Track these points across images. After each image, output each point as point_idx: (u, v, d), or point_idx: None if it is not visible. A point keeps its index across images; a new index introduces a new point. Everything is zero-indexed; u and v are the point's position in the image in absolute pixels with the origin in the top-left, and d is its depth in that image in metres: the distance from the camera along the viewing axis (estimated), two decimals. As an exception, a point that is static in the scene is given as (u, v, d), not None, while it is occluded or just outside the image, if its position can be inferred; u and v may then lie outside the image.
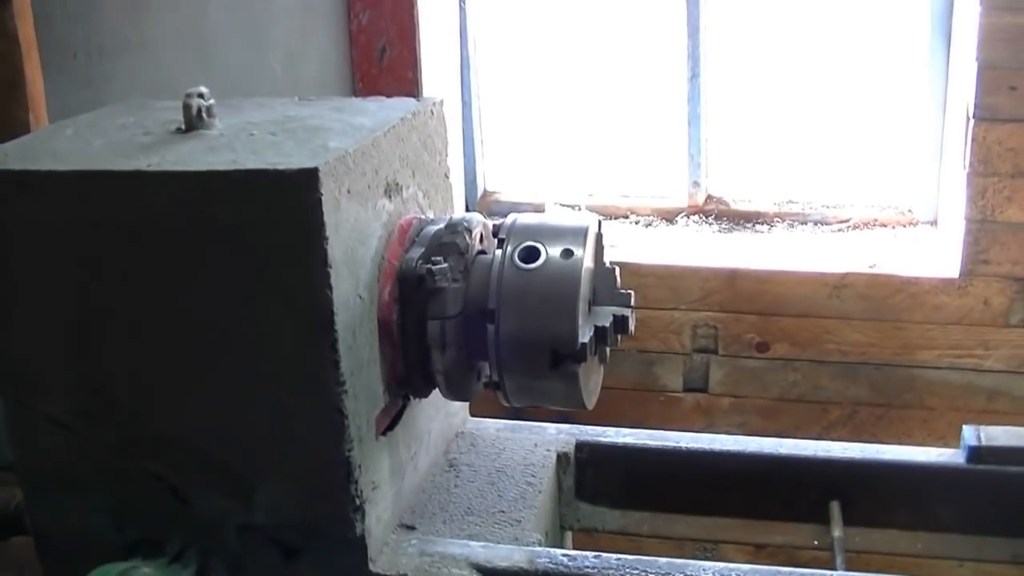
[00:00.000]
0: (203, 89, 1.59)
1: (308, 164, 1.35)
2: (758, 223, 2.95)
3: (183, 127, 1.58)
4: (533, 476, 1.75)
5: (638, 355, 2.76)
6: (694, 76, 2.89)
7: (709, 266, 2.71)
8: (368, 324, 1.49)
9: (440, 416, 1.79)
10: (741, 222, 2.96)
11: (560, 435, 1.86)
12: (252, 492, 1.50)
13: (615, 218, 3.02)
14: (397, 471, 1.61)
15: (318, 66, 2.79)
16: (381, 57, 2.72)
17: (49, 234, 1.46)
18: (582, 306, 1.48)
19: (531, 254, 1.50)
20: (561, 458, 1.82)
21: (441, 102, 1.77)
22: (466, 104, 3.04)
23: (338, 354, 1.40)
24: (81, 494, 1.57)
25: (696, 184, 2.98)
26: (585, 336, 1.48)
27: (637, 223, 2.99)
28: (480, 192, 3.13)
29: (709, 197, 3.00)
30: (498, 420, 1.91)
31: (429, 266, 1.50)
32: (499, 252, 1.52)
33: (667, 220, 2.98)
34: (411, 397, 1.63)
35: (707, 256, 2.76)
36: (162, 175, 1.40)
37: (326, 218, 1.35)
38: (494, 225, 1.59)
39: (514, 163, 3.16)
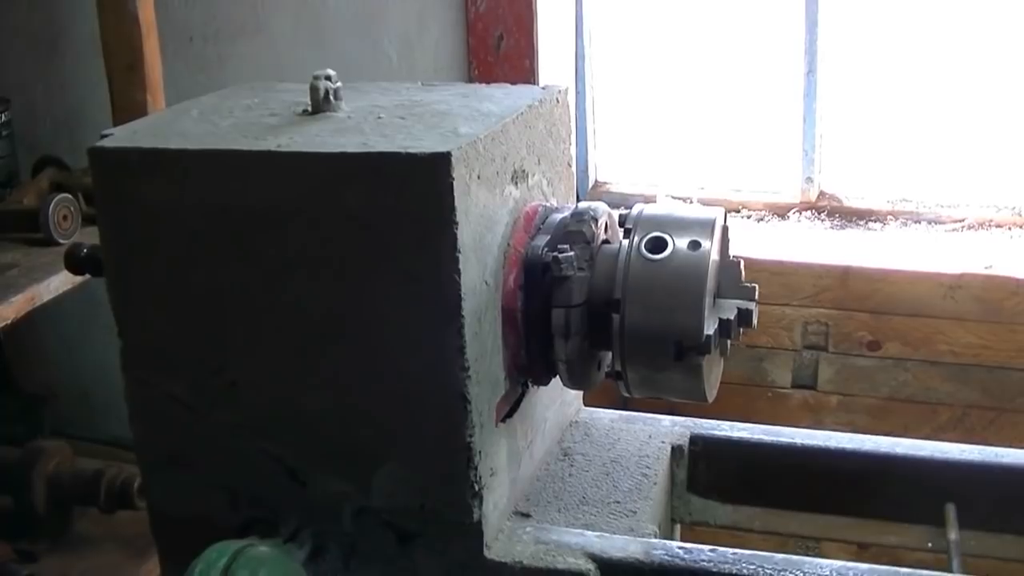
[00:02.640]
0: (330, 72, 1.59)
1: (441, 148, 1.34)
2: (871, 221, 2.90)
3: (310, 109, 1.59)
4: (648, 468, 1.74)
5: (747, 350, 2.73)
6: (810, 72, 2.85)
7: (821, 263, 2.67)
8: (493, 311, 1.49)
9: (556, 405, 1.78)
10: (854, 219, 2.91)
11: (675, 427, 1.84)
12: (370, 476, 1.50)
13: (727, 212, 2.98)
14: (514, 458, 1.61)
15: (434, 53, 2.79)
16: (498, 45, 2.72)
17: (177, 213, 1.48)
18: (708, 299, 1.47)
19: (658, 245, 1.49)
20: (675, 451, 1.81)
21: (566, 90, 1.76)
22: (580, 94, 3.02)
23: (464, 340, 1.40)
24: (199, 473, 1.59)
25: (809, 180, 2.94)
26: (710, 329, 1.46)
27: (749, 217, 2.95)
28: (591, 183, 3.12)
29: (822, 193, 2.95)
30: (612, 411, 1.90)
31: (555, 254, 1.49)
32: (625, 242, 1.51)
33: (779, 215, 2.94)
34: (530, 385, 1.62)
35: (819, 253, 2.72)
36: (293, 156, 1.41)
37: (457, 203, 1.35)
38: (619, 215, 1.58)
39: (626, 154, 3.14)
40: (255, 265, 1.47)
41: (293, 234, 1.44)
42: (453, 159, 1.34)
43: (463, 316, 1.39)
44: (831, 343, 2.69)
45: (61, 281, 2.44)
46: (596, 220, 1.54)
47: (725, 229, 1.56)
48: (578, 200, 3.05)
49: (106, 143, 1.52)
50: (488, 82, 2.74)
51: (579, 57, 2.98)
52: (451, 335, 1.40)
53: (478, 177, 1.41)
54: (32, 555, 2.74)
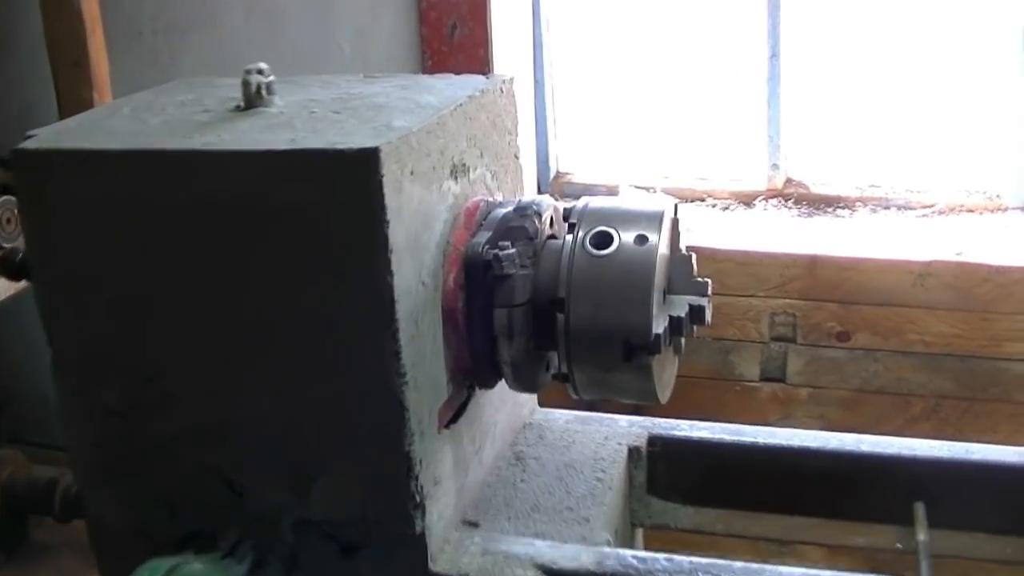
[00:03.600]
0: (262, 65, 1.53)
1: (370, 144, 1.28)
2: (839, 207, 2.83)
3: (242, 105, 1.53)
4: (603, 471, 1.68)
5: (714, 343, 2.66)
6: (774, 55, 2.78)
7: (788, 252, 2.60)
8: (432, 312, 1.42)
9: (507, 407, 1.72)
10: (822, 206, 2.84)
11: (632, 428, 1.78)
12: (309, 486, 1.44)
13: (691, 201, 2.92)
14: (460, 465, 1.54)
15: (387, 44, 2.72)
16: (452, 34, 2.65)
17: (102, 215, 1.41)
18: (656, 295, 1.40)
19: (603, 240, 1.43)
20: (633, 452, 1.74)
21: (511, 80, 1.70)
22: (538, 83, 2.95)
23: (399, 344, 1.33)
24: (135, 484, 1.53)
25: (775, 167, 2.87)
26: (659, 327, 1.40)
27: (714, 207, 2.88)
28: (553, 173, 3.05)
29: (789, 180, 2.88)
30: (567, 411, 1.84)
31: (496, 251, 1.43)
32: (569, 237, 1.45)
33: (745, 204, 2.87)
34: (477, 388, 1.56)
35: (786, 242, 2.65)
36: (216, 154, 1.35)
37: (388, 201, 1.28)
38: (564, 209, 1.52)
39: (588, 144, 3.07)
40: (183, 268, 1.41)
41: (220, 236, 1.37)
42: (383, 155, 1.27)
43: (397, 319, 1.33)
44: (799, 334, 2.63)
45: (3, 287, 2.37)
46: (540, 215, 1.48)
47: (675, 222, 1.49)
48: (537, 192, 3.04)
49: (28, 144, 1.45)
50: (442, 72, 2.70)
51: (537, 45, 2.91)
52: (385, 339, 1.33)
53: (411, 173, 1.35)
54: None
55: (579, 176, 3.05)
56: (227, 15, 2.79)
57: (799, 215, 2.82)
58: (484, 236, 1.48)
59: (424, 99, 1.52)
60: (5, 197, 2.51)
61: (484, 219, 1.51)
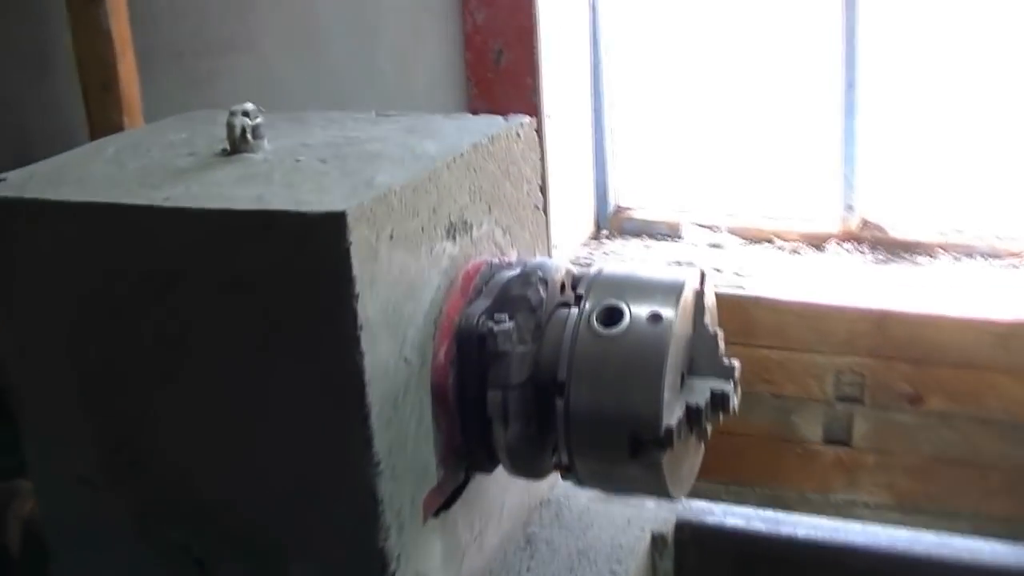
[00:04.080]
0: (248, 106, 1.39)
1: (336, 206, 1.13)
2: (918, 254, 2.61)
3: (228, 149, 1.39)
4: (619, 562, 1.51)
5: (773, 400, 2.45)
6: (850, 86, 2.56)
7: (857, 306, 2.39)
8: (418, 391, 1.27)
9: (518, 485, 1.55)
10: (899, 252, 2.61)
11: (659, 511, 1.61)
12: (281, 572, 1.29)
13: (758, 242, 2.71)
14: (453, 556, 1.38)
15: (430, 69, 2.56)
16: (497, 60, 2.48)
17: (63, 272, 1.29)
18: (670, 380, 1.23)
19: (612, 316, 1.26)
20: (657, 540, 1.57)
21: (531, 122, 1.53)
22: (596, 112, 2.77)
23: (370, 430, 1.18)
24: (105, 555, 1.40)
25: (849, 207, 2.65)
26: (672, 418, 1.22)
27: (781, 249, 2.68)
28: (612, 208, 2.86)
29: (864, 223, 2.66)
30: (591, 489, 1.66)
31: (492, 324, 1.27)
32: (575, 311, 1.28)
33: (815, 247, 2.66)
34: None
35: (857, 293, 2.43)
36: (174, 212, 1.20)
37: (356, 271, 1.13)
38: (574, 276, 1.35)
39: (649, 177, 2.88)
40: (144, 334, 1.28)
41: (180, 300, 1.24)
42: (350, 219, 1.12)
43: (368, 403, 1.17)
44: (867, 395, 2.41)
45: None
46: (546, 282, 1.31)
47: (699, 295, 1.31)
48: (597, 229, 2.86)
49: (-7, 190, 1.33)
50: (487, 101, 2.55)
51: (595, 72, 2.73)
52: (355, 424, 1.18)
53: (391, 237, 1.19)
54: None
55: (640, 212, 2.86)
56: (267, 37, 2.66)
57: (873, 261, 2.59)
58: (482, 305, 1.32)
59: (423, 147, 1.36)
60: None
61: (486, 284, 1.35)
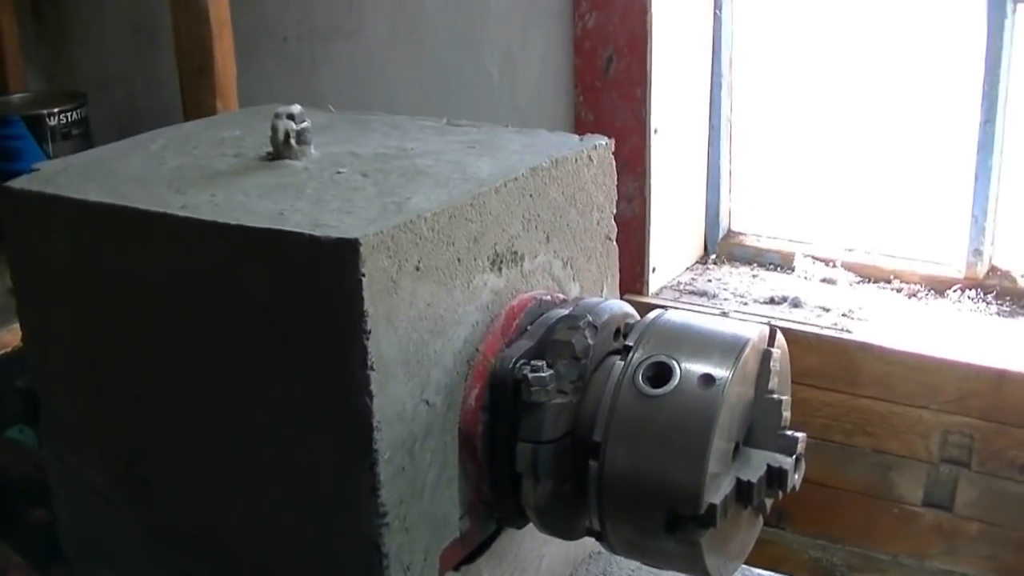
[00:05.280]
0: (295, 109, 1.28)
1: (352, 233, 1.01)
2: (1050, 308, 2.41)
3: (271, 153, 1.29)
4: (664, 636, 1.37)
5: (873, 455, 2.27)
6: (987, 121, 2.35)
7: (973, 362, 2.20)
8: (442, 436, 1.16)
9: (561, 536, 1.43)
10: (1027, 305, 2.42)
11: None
12: (291, 612, 1.20)
13: (875, 282, 2.53)
14: (475, 614, 1.27)
15: (537, 72, 2.44)
16: (607, 68, 2.35)
17: (81, 275, 1.22)
18: (719, 451, 1.09)
19: (660, 374, 1.12)
20: (710, 611, 1.42)
21: (607, 144, 1.40)
22: (714, 129, 2.61)
23: (377, 479, 1.07)
24: (116, 570, 1.34)
25: (977, 252, 2.44)
26: (717, 494, 1.09)
27: (899, 291, 2.49)
28: (723, 232, 2.70)
29: (992, 270, 2.45)
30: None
31: (527, 371, 1.14)
32: (620, 364, 1.14)
33: (937, 292, 2.46)
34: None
35: (974, 347, 2.24)
36: (185, 222, 1.11)
37: (369, 305, 1.02)
38: (627, 324, 1.21)
39: (765, 203, 2.71)
40: (156, 349, 1.20)
41: (191, 316, 1.15)
42: (363, 248, 1.01)
43: (376, 450, 1.06)
44: (975, 460, 2.21)
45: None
46: (596, 327, 1.18)
47: (766, 355, 1.17)
48: (706, 252, 2.69)
49: (18, 182, 1.26)
50: (595, 109, 2.42)
51: (715, 87, 2.57)
52: (360, 472, 1.07)
53: (417, 268, 1.08)
54: (66, 584, 2.53)
55: (752, 238, 2.69)
56: (373, 26, 2.57)
57: (998, 313, 2.39)
58: (523, 346, 1.19)
59: (476, 167, 1.25)
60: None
61: (531, 323, 1.23)
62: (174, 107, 2.54)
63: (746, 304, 2.46)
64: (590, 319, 1.18)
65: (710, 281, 2.57)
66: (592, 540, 1.47)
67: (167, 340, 1.18)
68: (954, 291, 2.46)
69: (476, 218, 1.16)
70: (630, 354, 1.15)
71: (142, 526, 1.29)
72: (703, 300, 2.47)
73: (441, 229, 1.11)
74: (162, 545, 1.28)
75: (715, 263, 2.69)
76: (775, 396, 1.17)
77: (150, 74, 2.87)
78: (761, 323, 1.19)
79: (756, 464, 1.14)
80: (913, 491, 2.28)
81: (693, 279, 2.59)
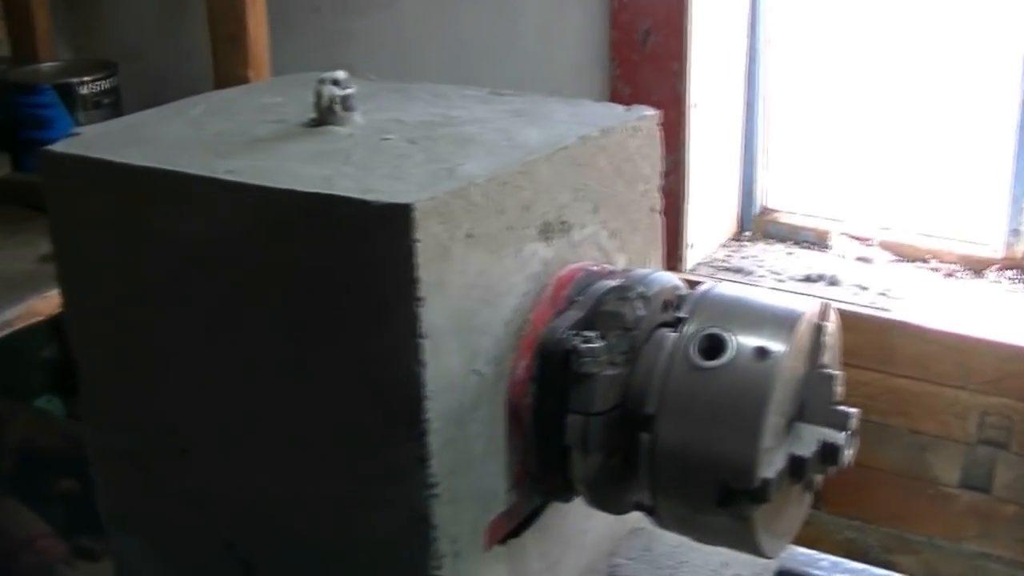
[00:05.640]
0: (340, 74, 1.26)
1: (405, 198, 1.00)
2: (1091, 289, 2.38)
3: (316, 119, 1.28)
4: (706, 612, 1.36)
5: (909, 436, 2.25)
6: (1028, 100, 2.34)
7: (1012, 343, 2.17)
8: (491, 406, 1.14)
9: (604, 511, 1.41)
10: (1067, 287, 2.39)
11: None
12: (332, 581, 1.18)
13: (912, 261, 2.50)
14: (520, 587, 1.25)
15: (573, 45, 2.41)
16: (644, 42, 2.32)
17: (119, 239, 1.20)
18: (772, 425, 1.07)
19: (714, 346, 1.10)
20: (753, 588, 1.41)
21: (653, 115, 1.37)
22: (750, 105, 2.58)
23: (426, 449, 1.05)
24: (151, 541, 1.34)
25: (1016, 232, 2.42)
26: (770, 469, 1.07)
27: (936, 271, 2.46)
28: (757, 209, 2.68)
29: (1030, 250, 2.44)
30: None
31: (578, 341, 1.12)
32: (674, 336, 1.12)
33: (975, 272, 2.44)
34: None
35: (1013, 327, 2.22)
36: (231, 186, 1.09)
37: (423, 272, 1.00)
38: (678, 296, 1.19)
39: (802, 180, 2.68)
40: (199, 315, 1.18)
41: (236, 282, 1.13)
42: (417, 213, 0.99)
43: (426, 419, 1.05)
44: (1014, 441, 2.19)
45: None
46: (647, 298, 1.16)
47: (820, 329, 1.15)
48: (741, 230, 2.67)
49: (59, 146, 1.25)
50: (631, 84, 2.39)
51: (752, 62, 2.55)
52: (409, 443, 1.06)
53: (468, 235, 1.06)
54: (93, 553, 2.51)
55: (787, 216, 2.67)
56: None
57: (1037, 294, 2.37)
58: (572, 317, 1.17)
59: (524, 135, 1.23)
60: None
61: (580, 294, 1.20)
62: (205, 77, 2.53)
63: (783, 281, 2.44)
64: (641, 290, 1.16)
65: (745, 258, 2.55)
66: (634, 516, 1.46)
67: (210, 306, 1.16)
68: (992, 271, 2.44)
69: (527, 186, 1.14)
70: (682, 326, 1.13)
71: (180, 495, 1.27)
72: (739, 277, 2.44)
73: (492, 196, 1.09)
74: (200, 514, 1.26)
75: (750, 240, 2.66)
76: (828, 371, 1.15)
77: (181, 44, 2.85)
78: (812, 299, 1.18)
79: (808, 440, 1.12)
80: (949, 472, 2.26)
81: (728, 256, 2.57)
